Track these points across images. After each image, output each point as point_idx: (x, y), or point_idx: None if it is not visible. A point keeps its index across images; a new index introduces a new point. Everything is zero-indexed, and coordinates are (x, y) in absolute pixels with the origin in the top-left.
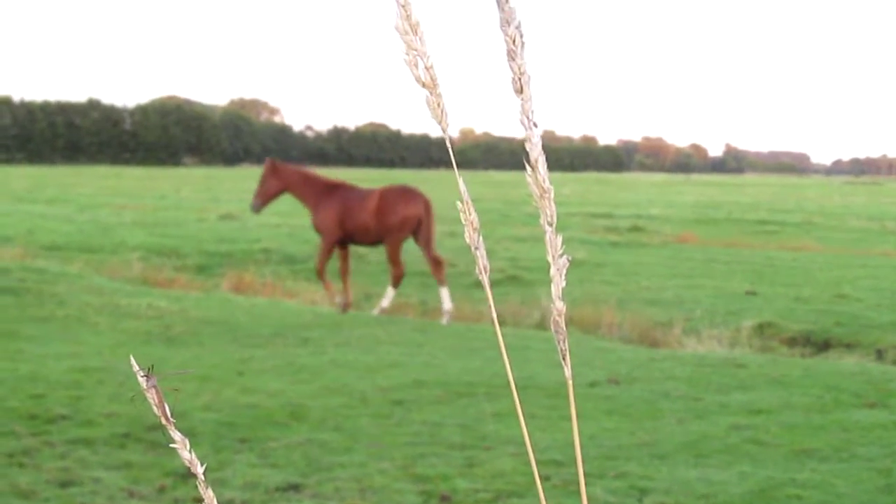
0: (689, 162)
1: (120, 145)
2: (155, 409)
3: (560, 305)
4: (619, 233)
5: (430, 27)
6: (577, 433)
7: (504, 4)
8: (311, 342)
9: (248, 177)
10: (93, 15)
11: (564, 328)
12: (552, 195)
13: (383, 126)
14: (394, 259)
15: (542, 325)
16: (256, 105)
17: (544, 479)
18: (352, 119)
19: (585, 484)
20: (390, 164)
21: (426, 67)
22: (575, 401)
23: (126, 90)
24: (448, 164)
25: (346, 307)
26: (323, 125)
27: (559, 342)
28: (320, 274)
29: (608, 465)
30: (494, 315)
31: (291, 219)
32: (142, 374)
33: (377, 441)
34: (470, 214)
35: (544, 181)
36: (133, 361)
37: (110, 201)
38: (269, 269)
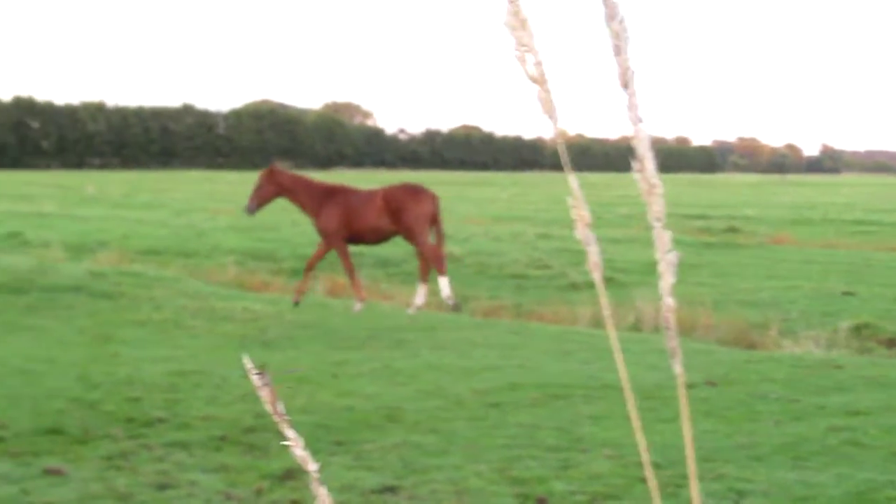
0: (784, 162)
1: (214, 150)
2: (268, 406)
3: (670, 302)
4: (713, 234)
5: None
6: (688, 432)
7: (608, 0)
8: (406, 345)
9: (342, 181)
10: (187, 20)
11: (674, 325)
12: (661, 191)
13: (476, 128)
14: (426, 251)
15: (637, 326)
16: (350, 108)
17: (641, 481)
18: (445, 122)
19: (683, 486)
20: (483, 166)
21: (536, 63)
22: (673, 402)
23: (220, 95)
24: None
25: (361, 300)
26: (416, 128)
27: (669, 339)
28: (309, 269)
29: (706, 467)
30: (607, 312)
31: None
32: (255, 372)
33: (473, 444)
34: (582, 211)
35: (652, 177)
36: (246, 361)
37: (205, 205)
38: (363, 272)
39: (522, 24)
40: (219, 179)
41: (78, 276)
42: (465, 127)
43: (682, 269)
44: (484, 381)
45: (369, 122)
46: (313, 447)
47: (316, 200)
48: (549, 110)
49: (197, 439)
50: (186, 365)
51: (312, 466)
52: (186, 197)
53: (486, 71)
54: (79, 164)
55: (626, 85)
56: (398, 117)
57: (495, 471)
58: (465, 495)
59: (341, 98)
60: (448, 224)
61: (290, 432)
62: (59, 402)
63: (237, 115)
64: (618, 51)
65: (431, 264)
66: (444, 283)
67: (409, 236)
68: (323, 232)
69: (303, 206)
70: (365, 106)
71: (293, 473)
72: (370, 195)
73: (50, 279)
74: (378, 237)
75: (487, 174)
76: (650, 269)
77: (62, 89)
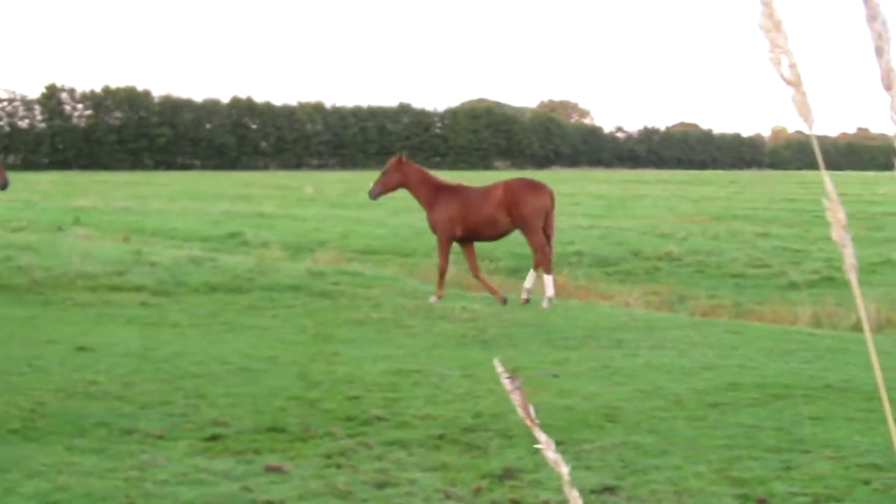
0: None
1: (431, 149)
2: (519, 410)
3: None
4: None
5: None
6: None
7: (869, 1)
8: (624, 344)
9: (560, 179)
10: (404, 19)
11: None
12: None
13: (694, 125)
14: (537, 246)
15: (858, 326)
16: (566, 107)
17: (864, 483)
18: (662, 119)
19: None
20: (701, 164)
21: (791, 65)
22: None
23: (436, 94)
24: (760, 164)
25: (502, 299)
26: (633, 126)
27: None
28: (443, 275)
29: None
30: (863, 313)
31: (603, 221)
32: (506, 375)
33: (692, 444)
34: (838, 213)
35: None
36: (497, 363)
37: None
38: (581, 272)
39: (777, 25)
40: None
41: (297, 275)
42: (682, 124)
43: None
44: (703, 381)
45: (586, 121)
46: (533, 447)
47: (432, 195)
48: (805, 113)
49: (416, 438)
50: (405, 364)
51: (564, 469)
52: (403, 196)
53: (704, 67)
54: (297, 164)
55: (889, 87)
56: (615, 115)
57: (715, 471)
58: (684, 496)
59: (557, 96)
60: (666, 223)
61: (541, 435)
62: (280, 401)
63: (453, 115)
64: (880, 52)
65: (539, 260)
66: (548, 281)
67: (525, 228)
68: (433, 226)
69: (420, 199)
70: (582, 104)
71: (512, 473)
72: (489, 189)
73: (270, 279)
74: (495, 231)
75: (705, 172)
76: (872, 268)
77: (281, 90)
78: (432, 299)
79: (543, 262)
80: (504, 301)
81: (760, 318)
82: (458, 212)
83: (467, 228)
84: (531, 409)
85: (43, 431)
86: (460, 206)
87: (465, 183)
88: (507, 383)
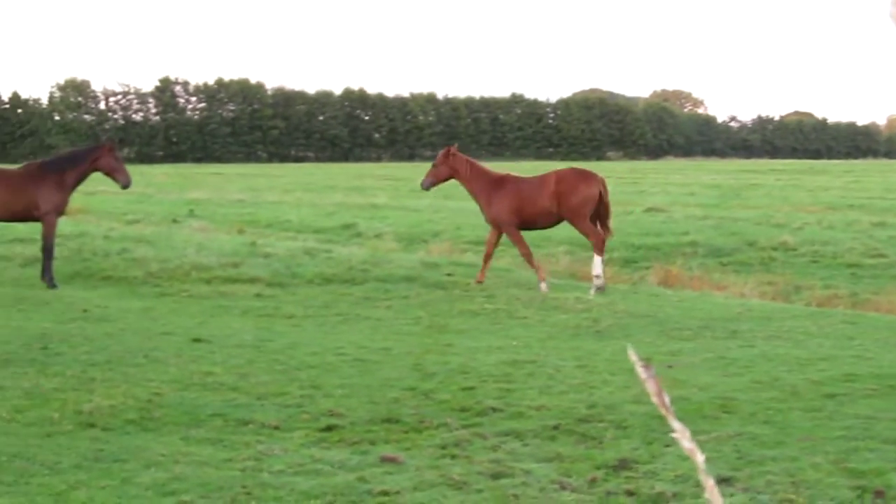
0: None
1: (543, 140)
2: (653, 398)
3: None
4: None
5: None
6: None
7: None
8: (739, 335)
9: (674, 170)
10: (514, 10)
11: None
12: None
13: (809, 115)
14: (588, 231)
15: None
16: (679, 96)
17: None
18: (776, 109)
19: None
20: (816, 154)
21: None
22: None
23: (548, 84)
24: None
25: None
26: (747, 116)
27: None
28: (531, 260)
29: None
30: None
31: (718, 211)
32: (640, 364)
33: (809, 435)
34: None
35: None
36: (631, 351)
37: None
38: (696, 262)
39: None
40: (549, 169)
41: (411, 266)
42: (797, 113)
43: None
44: (819, 372)
45: (700, 111)
46: (647, 437)
47: (487, 189)
48: None
49: (530, 429)
50: (519, 355)
51: (700, 458)
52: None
53: (819, 56)
54: (410, 155)
55: None
56: (729, 105)
57: (832, 462)
58: (801, 487)
59: (671, 86)
60: (781, 213)
61: (676, 424)
62: (395, 391)
63: (566, 105)
64: None
65: (593, 243)
66: (597, 262)
67: (574, 217)
68: (494, 221)
69: (473, 193)
70: (695, 94)
71: (627, 463)
72: (542, 180)
73: (384, 270)
74: (550, 220)
75: (820, 162)
76: None
77: (393, 81)
78: (542, 287)
79: (598, 244)
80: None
81: (877, 309)
82: (516, 203)
83: (523, 220)
84: (666, 398)
85: (160, 422)
86: (517, 198)
87: (515, 173)
88: (641, 371)
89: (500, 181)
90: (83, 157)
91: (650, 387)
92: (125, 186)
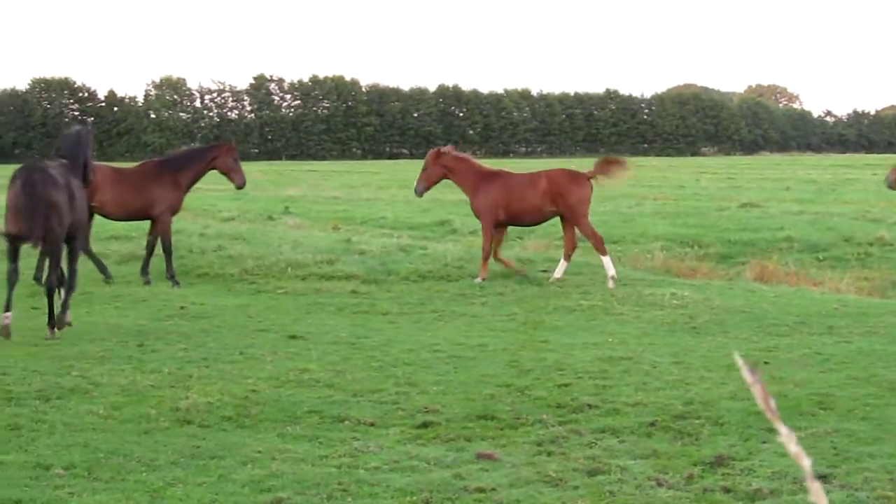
0: None
1: (638, 136)
2: (759, 402)
3: None
4: None
5: None
6: None
7: None
8: (836, 331)
9: (769, 165)
10: (606, 5)
11: None
12: None
13: None
14: (589, 232)
15: None
16: (774, 91)
17: None
18: (872, 103)
19: None
20: None
21: None
22: None
23: (643, 80)
24: None
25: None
26: (842, 110)
27: None
28: (492, 255)
29: None
30: None
31: (813, 206)
32: (747, 368)
33: None
34: None
35: None
36: (737, 357)
37: (630, 191)
38: (792, 257)
39: None
40: (643, 165)
41: None
42: (893, 108)
43: None
44: None
45: (795, 105)
46: (744, 434)
47: (473, 182)
48: None
49: (627, 425)
50: (615, 351)
51: (806, 462)
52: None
53: None
54: (504, 151)
55: None
56: (824, 99)
57: None
58: None
59: (765, 81)
60: (877, 208)
61: (782, 428)
62: (490, 388)
63: (660, 100)
64: None
65: (593, 245)
66: (607, 262)
67: (574, 217)
68: (476, 212)
69: (463, 187)
70: (790, 88)
71: (724, 460)
72: (533, 178)
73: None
74: (537, 218)
75: None
76: None
77: (487, 78)
78: (476, 281)
79: (598, 245)
80: (525, 274)
81: None
82: (501, 197)
83: (509, 214)
84: (772, 402)
85: (256, 419)
86: (503, 193)
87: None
88: (747, 376)
89: (491, 175)
90: (201, 156)
91: (756, 392)
92: (240, 187)
